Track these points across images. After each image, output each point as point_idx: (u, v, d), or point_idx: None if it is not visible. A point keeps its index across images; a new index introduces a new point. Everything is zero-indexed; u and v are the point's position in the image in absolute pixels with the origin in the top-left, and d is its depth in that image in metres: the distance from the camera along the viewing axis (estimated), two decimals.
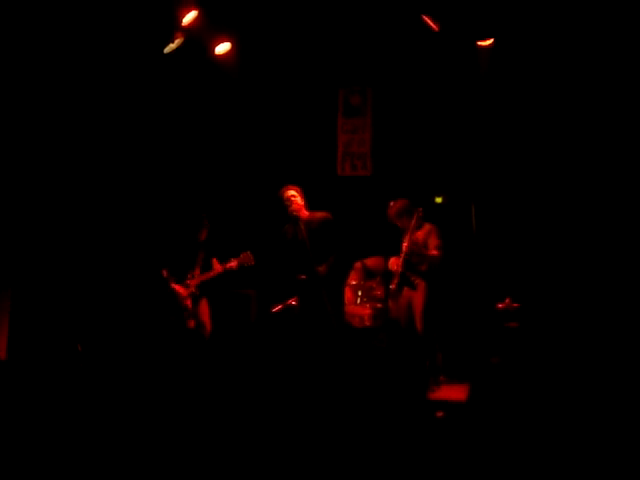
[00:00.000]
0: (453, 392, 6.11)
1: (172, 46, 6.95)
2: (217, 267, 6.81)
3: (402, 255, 6.50)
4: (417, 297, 6.57)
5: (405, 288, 6.63)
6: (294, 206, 6.46)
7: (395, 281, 6.54)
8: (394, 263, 6.55)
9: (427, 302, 6.50)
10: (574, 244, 6.96)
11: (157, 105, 8.09)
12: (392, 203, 6.66)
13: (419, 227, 6.62)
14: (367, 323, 6.98)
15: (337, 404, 5.12)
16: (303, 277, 6.31)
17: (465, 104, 7.61)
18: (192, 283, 6.80)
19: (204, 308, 6.93)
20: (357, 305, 7.08)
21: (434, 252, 6.51)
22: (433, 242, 6.54)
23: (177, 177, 8.27)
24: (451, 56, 7.44)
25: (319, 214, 6.56)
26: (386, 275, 6.69)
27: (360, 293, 7.11)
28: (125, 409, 5.10)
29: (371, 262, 7.22)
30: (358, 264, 7.21)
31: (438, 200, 7.20)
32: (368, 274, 7.21)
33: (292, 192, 6.52)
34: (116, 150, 8.07)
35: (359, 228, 7.40)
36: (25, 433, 4.54)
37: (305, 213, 6.54)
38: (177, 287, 6.76)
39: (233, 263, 6.74)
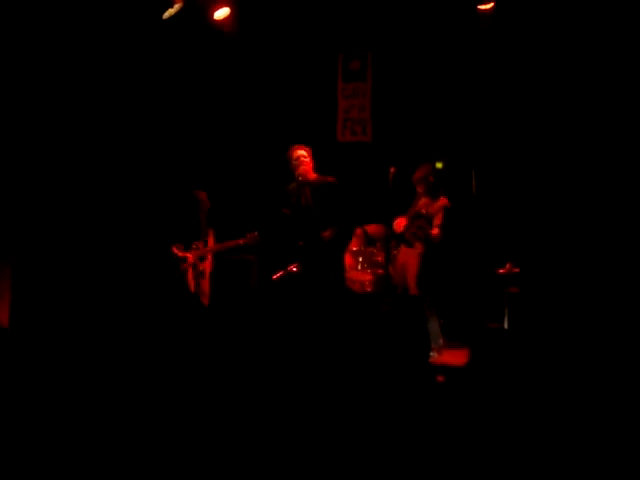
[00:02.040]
0: (453, 357, 6.15)
1: (171, 11, 6.90)
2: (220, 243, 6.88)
3: (408, 217, 6.55)
4: (412, 262, 6.56)
5: (402, 251, 6.64)
6: (303, 167, 6.17)
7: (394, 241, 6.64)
8: (399, 224, 6.58)
9: (422, 267, 6.50)
10: (575, 209, 6.96)
11: (156, 70, 8.01)
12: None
13: (435, 198, 6.59)
14: (368, 289, 7.02)
15: (337, 370, 5.15)
16: (301, 244, 6.17)
17: (466, 68, 7.56)
18: (200, 252, 6.83)
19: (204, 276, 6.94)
20: (358, 271, 7.13)
21: (435, 230, 6.46)
22: (437, 220, 6.48)
23: (176, 143, 8.22)
24: (451, 20, 7.38)
25: (328, 178, 6.22)
26: (387, 241, 6.70)
27: (361, 259, 7.15)
28: (125, 374, 5.12)
29: (372, 228, 7.23)
30: (359, 230, 7.22)
31: (438, 165, 7.14)
32: (369, 240, 7.22)
33: (302, 152, 6.21)
34: (114, 119, 8.00)
35: (359, 194, 7.35)
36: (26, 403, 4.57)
37: (313, 175, 6.25)
38: (182, 253, 6.79)
39: (240, 241, 6.73)
